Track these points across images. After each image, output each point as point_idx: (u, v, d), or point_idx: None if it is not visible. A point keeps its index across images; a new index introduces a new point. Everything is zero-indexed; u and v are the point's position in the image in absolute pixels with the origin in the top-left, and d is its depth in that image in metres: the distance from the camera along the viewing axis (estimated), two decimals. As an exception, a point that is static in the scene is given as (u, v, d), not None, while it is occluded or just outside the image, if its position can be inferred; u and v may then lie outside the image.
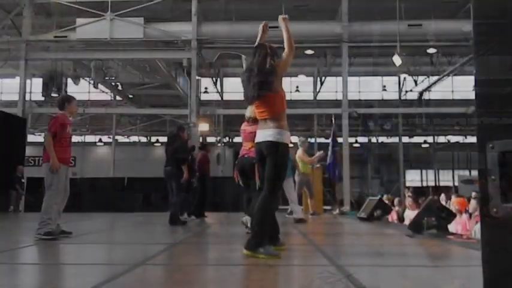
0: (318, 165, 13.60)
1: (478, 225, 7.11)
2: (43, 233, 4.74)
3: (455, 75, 21.00)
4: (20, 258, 3.81)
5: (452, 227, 6.15)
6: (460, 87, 24.70)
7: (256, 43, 4.03)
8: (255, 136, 3.93)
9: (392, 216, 9.12)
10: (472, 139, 22.87)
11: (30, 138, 20.94)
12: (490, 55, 1.13)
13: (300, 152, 9.35)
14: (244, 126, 5.47)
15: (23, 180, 13.28)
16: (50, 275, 2.91)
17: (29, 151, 16.07)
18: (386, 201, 9.46)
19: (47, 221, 4.80)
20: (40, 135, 25.53)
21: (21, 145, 14.34)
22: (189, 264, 3.44)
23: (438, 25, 15.49)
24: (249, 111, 5.26)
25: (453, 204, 7.57)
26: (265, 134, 3.62)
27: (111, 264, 3.49)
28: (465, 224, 7.08)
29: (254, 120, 4.79)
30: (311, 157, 9.74)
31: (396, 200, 10.35)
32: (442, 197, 9.94)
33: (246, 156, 5.33)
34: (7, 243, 4.54)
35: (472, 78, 21.64)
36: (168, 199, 7.86)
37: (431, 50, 18.84)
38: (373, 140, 26.32)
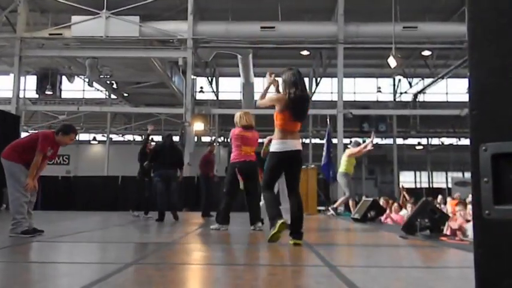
0: (313, 166, 13.64)
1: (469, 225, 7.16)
2: (20, 231, 4.73)
3: (449, 77, 21.10)
4: (11, 257, 3.79)
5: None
6: (455, 89, 24.85)
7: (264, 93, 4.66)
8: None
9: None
10: (466, 141, 22.99)
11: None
12: (484, 58, 1.14)
13: (350, 150, 9.75)
14: (245, 132, 6.07)
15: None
16: (41, 274, 2.89)
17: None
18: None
19: (21, 220, 4.78)
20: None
21: (15, 143, 14.24)
22: (182, 263, 3.43)
23: (433, 27, 15.57)
24: (246, 119, 6.08)
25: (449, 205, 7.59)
26: (298, 143, 4.43)
27: (104, 263, 3.47)
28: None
29: (252, 128, 6.11)
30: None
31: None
32: (440, 199, 9.97)
33: (249, 160, 5.98)
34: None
35: (466, 80, 21.92)
36: (160, 199, 8.32)
37: (426, 52, 18.92)
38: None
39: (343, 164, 9.73)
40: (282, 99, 4.42)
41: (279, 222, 4.20)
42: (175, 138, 11.56)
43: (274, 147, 4.43)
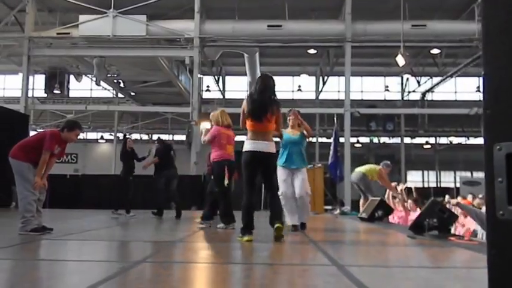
0: (320, 165, 13.61)
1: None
2: (29, 229, 4.76)
3: (458, 76, 20.92)
4: (21, 254, 3.81)
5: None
6: (463, 88, 24.63)
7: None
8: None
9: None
10: (475, 140, 22.80)
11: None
12: (498, 56, 1.12)
13: (383, 171, 9.39)
14: (228, 131, 6.25)
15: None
16: (50, 271, 2.90)
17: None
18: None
19: (30, 218, 4.80)
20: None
21: (24, 141, 14.32)
22: (190, 262, 3.43)
23: (442, 26, 15.46)
24: (226, 119, 6.28)
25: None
26: (270, 146, 4.68)
27: (112, 261, 3.48)
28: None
29: (231, 127, 6.33)
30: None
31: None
32: (447, 198, 9.87)
33: (233, 160, 6.19)
34: (8, 239, 4.53)
35: (475, 79, 21.50)
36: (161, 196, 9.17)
37: (434, 51, 18.79)
38: (375, 140, 26.30)
39: (367, 168, 9.47)
40: (246, 104, 4.73)
41: (247, 237, 4.41)
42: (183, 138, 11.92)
43: (245, 146, 4.69)
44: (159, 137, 10.30)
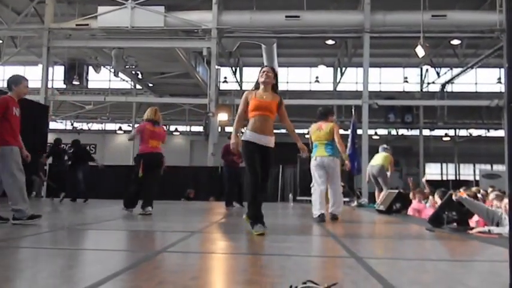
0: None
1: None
2: (27, 217, 4.77)
3: (479, 67, 20.53)
4: (41, 243, 3.89)
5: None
6: (484, 79, 24.16)
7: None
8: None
9: None
10: (495, 133, 22.41)
11: (52, 125, 21.33)
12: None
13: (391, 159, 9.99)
14: (152, 127, 6.87)
15: (45, 167, 13.54)
16: (70, 260, 2.96)
17: (50, 138, 16.34)
18: None
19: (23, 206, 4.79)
20: (62, 122, 25.96)
21: (44, 132, 14.57)
22: (209, 252, 3.47)
23: (463, 16, 15.17)
24: (153, 115, 6.97)
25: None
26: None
27: (132, 251, 3.54)
28: None
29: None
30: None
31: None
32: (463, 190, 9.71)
33: (156, 152, 6.88)
34: (28, 228, 4.63)
35: (496, 70, 21.07)
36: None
37: (455, 41, 18.46)
38: (393, 132, 26.03)
39: (382, 158, 9.82)
40: None
41: (258, 231, 4.23)
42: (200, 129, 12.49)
43: None
44: (73, 140, 11.87)
